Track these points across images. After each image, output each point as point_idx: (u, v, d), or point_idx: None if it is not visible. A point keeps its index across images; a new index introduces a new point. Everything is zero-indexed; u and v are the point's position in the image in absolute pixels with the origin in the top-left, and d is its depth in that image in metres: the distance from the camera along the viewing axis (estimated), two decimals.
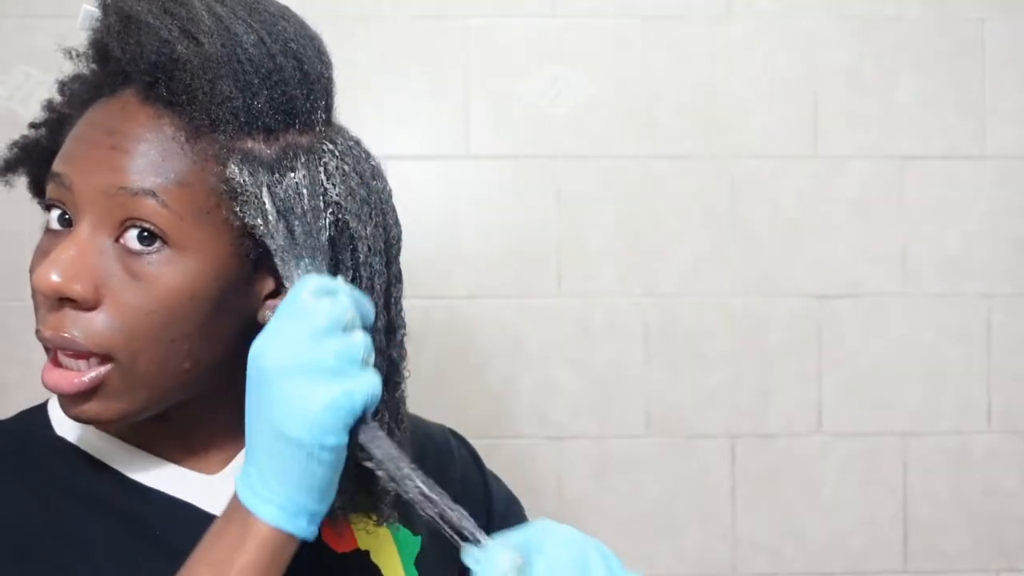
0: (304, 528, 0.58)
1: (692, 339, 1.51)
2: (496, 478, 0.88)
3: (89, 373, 0.61)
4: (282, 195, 0.62)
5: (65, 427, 0.70)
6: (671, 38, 1.52)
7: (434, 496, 0.59)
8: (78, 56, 0.67)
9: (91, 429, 0.69)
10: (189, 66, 0.60)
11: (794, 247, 1.52)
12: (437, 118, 1.50)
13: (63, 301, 0.61)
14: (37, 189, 0.71)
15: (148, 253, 0.61)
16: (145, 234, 0.61)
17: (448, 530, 0.59)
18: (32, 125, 0.71)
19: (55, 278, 0.59)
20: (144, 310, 0.60)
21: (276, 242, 0.61)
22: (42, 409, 0.72)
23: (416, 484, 0.59)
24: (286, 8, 0.68)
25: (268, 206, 0.61)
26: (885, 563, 1.52)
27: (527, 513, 0.89)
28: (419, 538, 0.77)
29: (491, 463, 0.90)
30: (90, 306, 0.61)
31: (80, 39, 0.68)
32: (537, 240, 1.50)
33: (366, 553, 0.74)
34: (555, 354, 1.50)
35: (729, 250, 1.52)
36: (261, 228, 0.61)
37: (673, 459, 1.51)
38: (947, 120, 1.53)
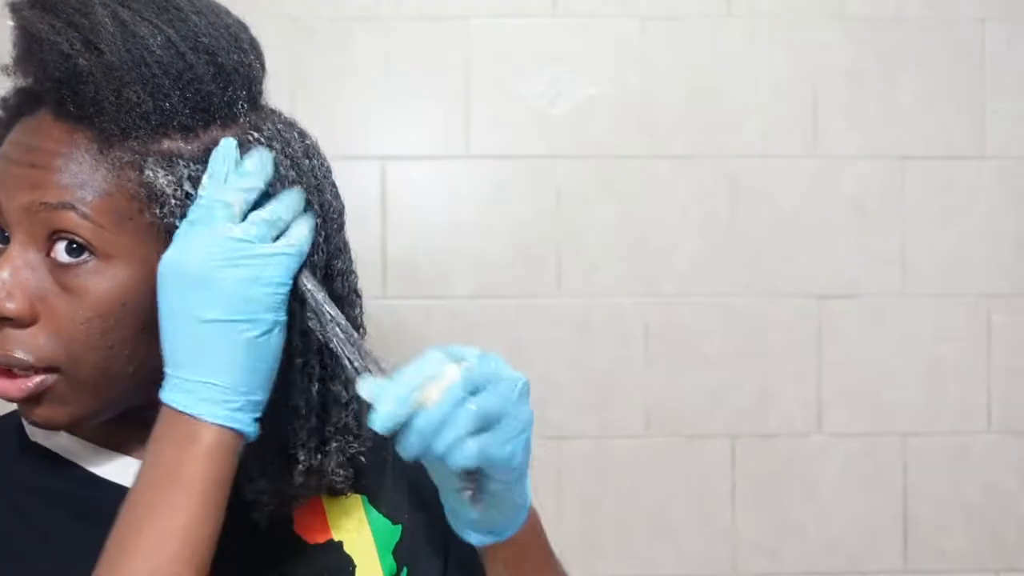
0: (247, 422, 0.60)
1: (692, 339, 1.51)
2: None
3: (35, 379, 0.62)
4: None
5: (37, 433, 0.71)
6: (671, 38, 1.52)
7: (354, 338, 0.64)
8: (13, 73, 0.67)
9: (62, 433, 0.71)
10: (92, 78, 0.61)
11: (794, 247, 1.52)
12: (437, 118, 1.50)
13: (1, 320, 0.62)
14: None
15: (77, 265, 0.62)
16: (73, 246, 0.62)
17: (362, 365, 0.63)
18: None
19: None
20: (79, 320, 0.62)
21: None
22: (16, 416, 0.74)
23: (338, 327, 0.64)
24: (203, 1, 0.67)
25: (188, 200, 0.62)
26: (885, 563, 1.52)
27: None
28: (399, 527, 0.77)
29: None
30: (27, 323, 0.62)
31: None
32: (537, 240, 1.50)
33: (339, 544, 0.74)
34: (555, 354, 1.50)
35: (729, 250, 1.52)
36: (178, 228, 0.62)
37: (673, 459, 1.51)
38: (947, 120, 1.53)
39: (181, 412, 0.59)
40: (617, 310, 1.51)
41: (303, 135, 0.69)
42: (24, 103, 0.65)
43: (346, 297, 0.70)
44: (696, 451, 1.51)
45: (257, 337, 0.59)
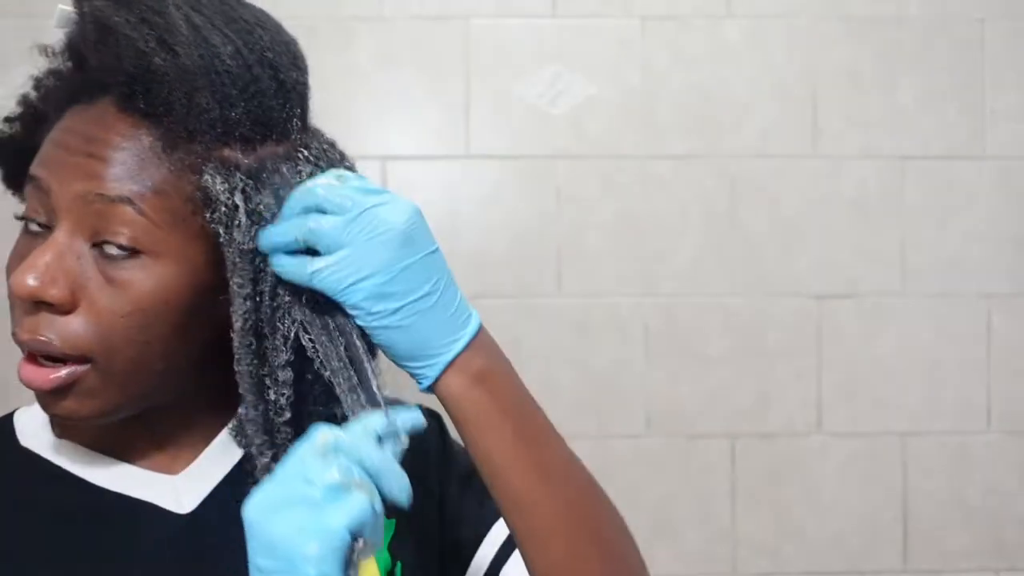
0: None
1: (692, 339, 1.51)
2: (463, 449, 0.89)
3: (66, 369, 0.62)
4: (258, 204, 0.63)
5: (28, 437, 0.71)
6: (671, 38, 1.52)
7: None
8: (54, 55, 0.67)
9: (53, 437, 0.70)
10: (166, 78, 0.60)
11: (794, 247, 1.52)
12: (437, 118, 1.50)
13: (39, 304, 0.61)
14: (11, 183, 0.72)
15: (124, 258, 0.62)
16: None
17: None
18: (7, 119, 0.71)
19: (32, 282, 0.60)
20: (119, 313, 0.61)
21: (242, 247, 0.62)
22: (7, 420, 0.73)
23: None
24: (263, 14, 0.68)
25: (241, 212, 0.62)
26: (885, 563, 1.52)
27: None
28: (392, 522, 0.77)
29: None
30: (66, 310, 0.61)
31: (55, 36, 0.68)
32: (537, 240, 1.50)
33: None
34: (555, 354, 1.50)
35: (729, 250, 1.52)
36: (224, 234, 0.62)
37: (673, 459, 1.51)
38: (947, 120, 1.53)
39: None
40: (617, 310, 1.51)
41: (343, 156, 0.70)
42: (82, 90, 0.65)
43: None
44: (696, 451, 1.51)
45: None
